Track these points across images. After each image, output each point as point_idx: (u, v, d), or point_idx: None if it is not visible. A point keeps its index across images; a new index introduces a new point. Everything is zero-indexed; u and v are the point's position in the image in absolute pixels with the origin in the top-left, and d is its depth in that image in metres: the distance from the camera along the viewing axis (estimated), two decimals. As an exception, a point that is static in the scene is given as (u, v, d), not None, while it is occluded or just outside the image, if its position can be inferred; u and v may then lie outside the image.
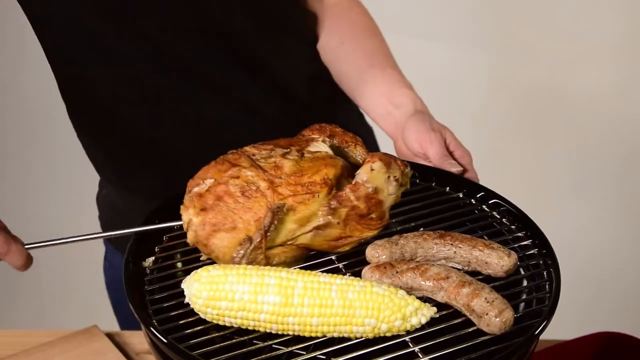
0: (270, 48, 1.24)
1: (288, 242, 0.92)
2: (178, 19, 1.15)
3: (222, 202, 0.90)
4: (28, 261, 0.98)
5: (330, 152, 0.98)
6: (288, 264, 0.92)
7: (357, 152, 1.02)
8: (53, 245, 0.98)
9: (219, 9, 1.16)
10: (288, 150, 0.95)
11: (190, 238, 0.92)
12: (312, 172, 0.92)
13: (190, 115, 1.23)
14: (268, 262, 0.90)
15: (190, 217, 0.92)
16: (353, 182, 0.93)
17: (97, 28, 1.14)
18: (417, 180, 1.10)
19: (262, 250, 0.89)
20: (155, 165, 1.28)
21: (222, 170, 0.93)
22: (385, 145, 1.33)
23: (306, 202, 0.90)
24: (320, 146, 0.98)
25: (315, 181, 0.91)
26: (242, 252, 0.88)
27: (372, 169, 0.93)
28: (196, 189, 0.93)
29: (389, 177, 0.94)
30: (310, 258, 0.94)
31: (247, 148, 0.97)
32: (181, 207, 0.94)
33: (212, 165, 0.95)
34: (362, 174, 0.93)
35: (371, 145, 1.41)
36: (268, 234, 0.88)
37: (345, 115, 1.37)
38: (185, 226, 0.93)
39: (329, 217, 0.91)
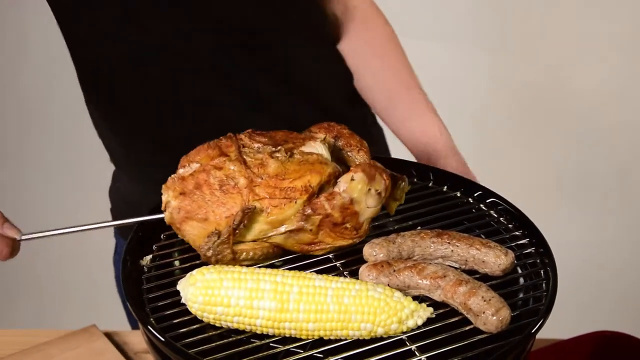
0: (291, 47, 1.24)
1: (259, 240, 0.92)
2: (199, 20, 1.16)
3: (199, 191, 0.92)
4: (11, 253, 0.98)
5: (324, 154, 0.96)
6: (258, 260, 0.92)
7: (359, 157, 1.00)
8: (51, 236, 0.98)
9: (240, 8, 1.17)
10: (277, 148, 0.94)
11: (166, 218, 0.94)
12: (295, 176, 0.90)
13: (209, 114, 1.24)
14: (235, 258, 0.91)
15: (169, 198, 0.93)
16: (330, 190, 0.91)
17: (122, 25, 1.15)
18: (415, 179, 1.10)
19: (229, 246, 0.89)
20: (172, 159, 1.30)
21: (211, 156, 0.94)
22: (396, 147, 1.34)
23: (282, 207, 0.90)
24: (315, 147, 0.96)
25: (296, 187, 0.90)
26: (209, 244, 0.89)
27: (352, 179, 0.91)
28: (181, 171, 0.95)
29: (369, 189, 0.91)
30: (308, 257, 0.94)
31: (242, 136, 0.96)
32: (163, 186, 0.95)
33: (204, 148, 0.96)
34: (341, 183, 0.91)
35: (381, 146, 1.41)
36: (236, 231, 0.89)
37: (361, 116, 1.37)
38: (163, 206, 0.94)
39: (302, 222, 0.91)
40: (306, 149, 0.95)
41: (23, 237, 0.98)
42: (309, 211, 0.90)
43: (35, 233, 0.99)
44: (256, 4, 1.18)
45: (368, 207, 0.92)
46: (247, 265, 0.90)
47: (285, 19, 1.22)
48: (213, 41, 1.18)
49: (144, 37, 1.16)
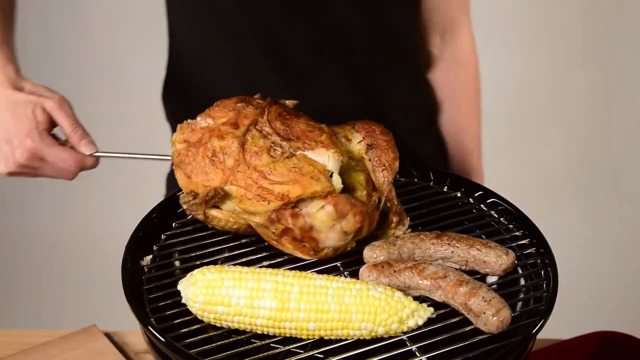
0: (381, 70, 1.24)
1: (234, 214, 0.93)
2: (299, 30, 1.16)
3: (196, 149, 0.94)
4: (79, 168, 1.03)
5: (328, 167, 0.92)
6: (230, 230, 0.95)
7: (379, 176, 0.97)
8: (118, 158, 1.06)
9: (337, 20, 1.17)
10: (281, 144, 0.93)
11: (171, 153, 0.99)
12: (279, 179, 0.90)
13: None
14: (206, 221, 0.94)
15: (176, 139, 0.98)
16: (299, 208, 0.90)
17: (214, 22, 1.16)
18: (415, 180, 1.10)
19: (201, 209, 0.92)
20: None
21: (226, 118, 0.95)
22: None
23: (253, 202, 0.90)
24: (323, 157, 0.92)
25: (273, 191, 0.89)
26: (185, 199, 0.93)
27: (321, 207, 0.89)
28: (198, 119, 0.98)
29: (334, 224, 0.89)
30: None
31: (269, 114, 0.95)
32: (179, 124, 0.99)
33: (229, 104, 0.97)
34: (310, 207, 0.89)
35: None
36: (208, 202, 0.92)
37: (424, 146, 1.36)
38: (171, 140, 0.99)
39: (268, 222, 0.91)
40: (312, 155, 0.92)
41: (94, 154, 1.03)
42: (274, 217, 0.90)
43: (105, 152, 1.05)
44: (358, 22, 1.18)
45: (328, 239, 0.90)
46: (219, 231, 0.94)
47: (384, 39, 1.22)
48: (306, 42, 1.17)
49: (241, 36, 1.16)
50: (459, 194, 1.07)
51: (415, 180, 1.10)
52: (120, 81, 2.74)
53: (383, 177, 0.97)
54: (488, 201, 1.04)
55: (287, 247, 0.93)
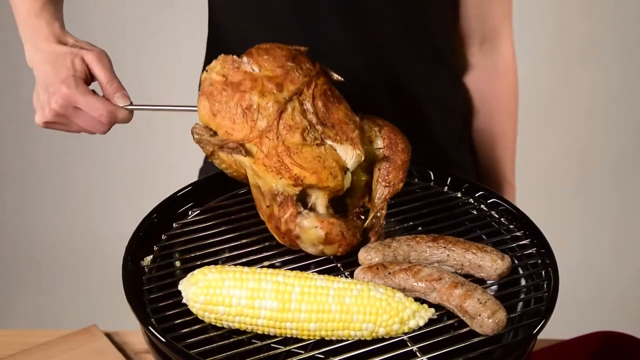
0: (414, 61, 1.23)
1: (239, 163, 0.94)
2: (343, 38, 1.16)
3: (232, 93, 0.93)
4: (112, 119, 1.02)
5: (347, 165, 0.92)
6: (225, 171, 0.96)
7: (378, 191, 0.96)
8: (155, 110, 1.04)
9: (377, 19, 1.17)
10: (317, 128, 0.91)
11: (201, 76, 0.96)
12: (300, 163, 0.89)
13: None
14: (209, 156, 0.95)
15: (214, 69, 0.95)
16: (300, 211, 0.90)
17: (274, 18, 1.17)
18: (416, 180, 1.10)
19: (211, 148, 0.93)
20: None
21: (272, 72, 0.94)
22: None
23: (267, 171, 0.90)
24: (347, 155, 0.92)
25: (290, 170, 0.89)
26: (200, 131, 0.94)
27: (314, 226, 0.90)
28: (244, 59, 0.96)
29: (318, 245, 0.91)
30: (308, 257, 0.94)
31: (316, 87, 0.94)
32: (222, 55, 0.96)
33: (279, 58, 0.96)
34: (305, 219, 0.90)
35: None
36: (223, 149, 0.92)
37: (457, 152, 1.36)
38: (207, 67, 0.96)
39: (268, 194, 0.91)
40: (339, 149, 0.92)
41: (127, 106, 1.02)
42: (279, 198, 0.90)
43: (138, 105, 1.03)
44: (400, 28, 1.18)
45: (307, 248, 0.92)
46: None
47: (421, 43, 1.22)
48: (345, 31, 1.17)
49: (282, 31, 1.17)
50: (459, 194, 1.07)
51: (416, 180, 1.09)
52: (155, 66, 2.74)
53: (382, 193, 0.96)
54: (489, 201, 1.04)
55: (267, 223, 0.93)
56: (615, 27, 2.84)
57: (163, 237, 0.99)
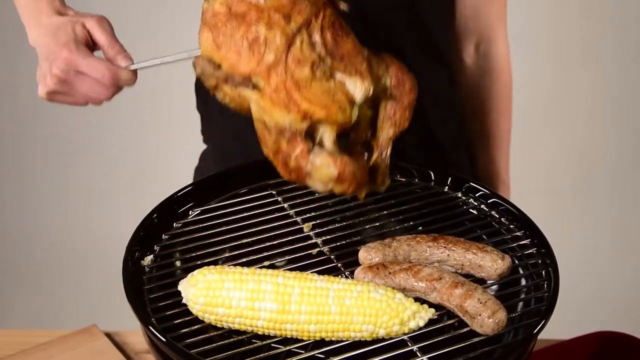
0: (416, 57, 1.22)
1: (242, 97, 0.91)
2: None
3: (237, 25, 0.89)
4: (115, 81, 0.99)
5: (355, 99, 0.89)
6: (229, 105, 0.92)
7: (383, 130, 0.94)
8: (157, 65, 0.99)
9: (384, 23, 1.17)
10: (326, 62, 0.88)
11: (203, 6, 0.92)
12: (309, 98, 0.86)
13: None
14: (212, 89, 0.92)
15: None
16: (306, 146, 0.87)
17: None
18: (416, 180, 1.10)
19: (215, 81, 0.90)
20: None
21: (279, 3, 0.89)
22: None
23: (274, 106, 0.87)
24: (356, 88, 0.89)
25: (299, 105, 0.86)
26: (203, 64, 0.91)
27: (327, 166, 0.87)
28: None
29: (329, 184, 0.89)
30: (308, 257, 0.94)
31: (324, 18, 0.90)
32: None
33: None
34: (318, 157, 0.87)
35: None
36: (227, 81, 0.89)
37: (454, 151, 1.37)
38: None
39: (275, 130, 0.88)
40: (348, 83, 0.89)
41: (130, 67, 0.99)
42: (287, 135, 0.87)
43: (140, 62, 0.99)
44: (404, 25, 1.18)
45: (315, 185, 0.90)
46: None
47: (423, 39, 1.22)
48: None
49: None
50: (459, 194, 1.07)
51: (416, 180, 1.10)
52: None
53: (388, 133, 0.95)
54: (489, 201, 1.04)
55: (273, 159, 0.91)
56: (615, 27, 2.84)
57: (163, 237, 0.99)
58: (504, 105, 1.36)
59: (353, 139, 0.95)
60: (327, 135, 0.89)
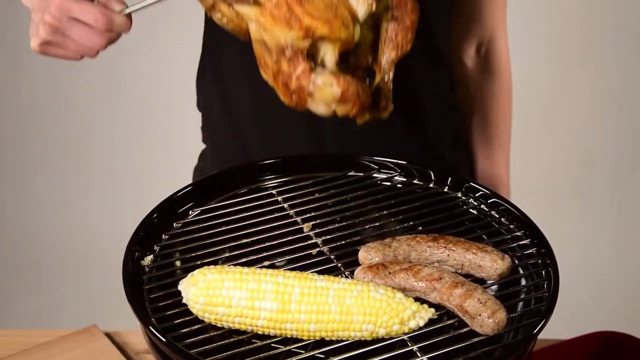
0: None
1: (243, 16, 0.89)
2: None
3: None
4: (109, 25, 0.96)
5: (358, 15, 0.86)
6: (225, 27, 0.90)
7: (386, 51, 0.91)
8: (153, 4, 0.96)
9: None
10: None
11: None
12: (311, 12, 0.83)
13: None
14: (209, 9, 0.90)
15: None
16: (308, 64, 0.84)
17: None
18: (416, 180, 1.10)
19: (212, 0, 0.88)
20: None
21: None
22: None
23: (275, 23, 0.84)
24: (358, 3, 0.86)
25: (301, 20, 0.83)
26: None
27: (330, 85, 0.84)
28: None
29: (332, 105, 0.86)
30: (308, 257, 0.94)
31: None
32: None
33: None
34: (323, 76, 0.86)
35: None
36: (226, 0, 0.87)
37: (452, 151, 1.37)
38: None
39: (276, 50, 0.85)
40: None
41: (125, 11, 0.96)
42: (288, 53, 0.85)
43: (135, 5, 0.96)
44: None
45: (316, 107, 0.88)
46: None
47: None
48: None
49: None
50: (459, 194, 1.07)
51: (416, 180, 1.10)
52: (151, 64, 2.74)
53: (390, 55, 0.92)
54: (489, 201, 1.04)
55: (273, 81, 0.88)
56: (615, 27, 2.84)
57: (163, 237, 0.99)
58: (505, 107, 1.36)
59: (354, 64, 0.93)
60: (329, 55, 0.87)
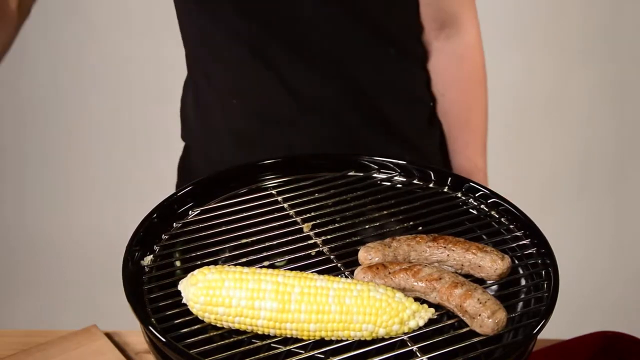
0: (366, 57, 1.25)
1: None
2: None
3: None
4: None
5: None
6: None
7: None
8: None
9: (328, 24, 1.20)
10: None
11: None
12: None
13: (266, 109, 1.27)
14: None
15: None
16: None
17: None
18: (416, 180, 1.10)
19: None
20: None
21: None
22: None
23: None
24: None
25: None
26: None
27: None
28: None
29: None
30: (308, 257, 0.94)
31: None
32: None
33: None
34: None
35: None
36: None
37: (422, 138, 1.37)
38: None
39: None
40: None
41: None
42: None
43: None
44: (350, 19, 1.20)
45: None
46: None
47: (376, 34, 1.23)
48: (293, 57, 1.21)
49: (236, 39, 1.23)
50: (459, 194, 1.07)
51: (416, 180, 1.10)
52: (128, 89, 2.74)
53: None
54: (489, 201, 1.04)
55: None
56: (615, 27, 2.84)
57: (163, 237, 0.99)
58: (475, 90, 1.36)
59: None
60: None
